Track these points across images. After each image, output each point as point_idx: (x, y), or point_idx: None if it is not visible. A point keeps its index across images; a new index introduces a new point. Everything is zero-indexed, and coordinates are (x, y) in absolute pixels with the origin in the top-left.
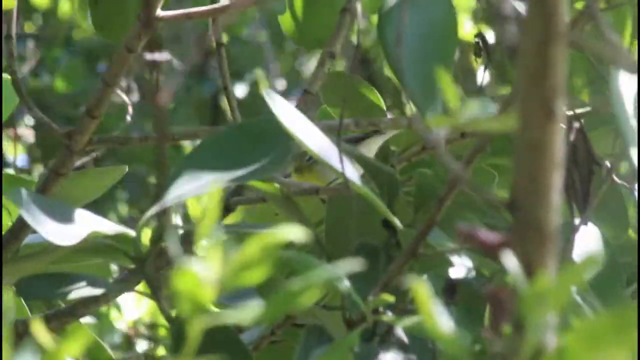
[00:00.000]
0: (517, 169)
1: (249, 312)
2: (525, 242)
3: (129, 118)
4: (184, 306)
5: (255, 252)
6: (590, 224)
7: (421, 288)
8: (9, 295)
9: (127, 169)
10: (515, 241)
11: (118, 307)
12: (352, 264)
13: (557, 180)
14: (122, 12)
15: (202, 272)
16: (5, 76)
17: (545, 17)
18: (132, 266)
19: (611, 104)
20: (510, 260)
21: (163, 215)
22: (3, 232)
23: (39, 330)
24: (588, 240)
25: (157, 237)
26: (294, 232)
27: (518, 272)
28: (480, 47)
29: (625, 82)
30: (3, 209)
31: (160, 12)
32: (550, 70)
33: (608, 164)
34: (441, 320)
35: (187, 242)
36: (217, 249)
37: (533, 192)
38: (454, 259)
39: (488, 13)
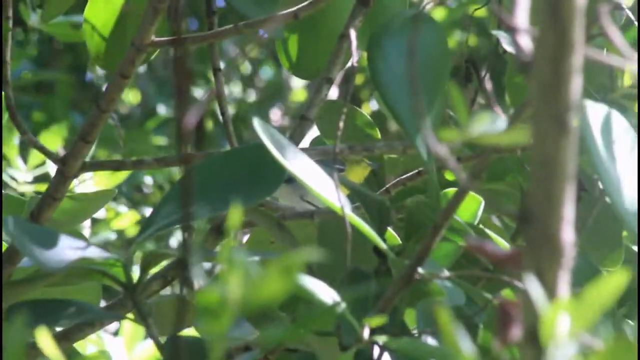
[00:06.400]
0: (530, 183)
1: (271, 333)
2: (538, 256)
3: (121, 144)
4: (207, 327)
5: (276, 274)
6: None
7: (443, 312)
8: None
9: (116, 192)
10: (528, 254)
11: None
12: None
13: (570, 193)
14: (118, 40)
15: (225, 292)
16: None
17: (559, 30)
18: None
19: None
20: (530, 280)
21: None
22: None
23: (47, 344)
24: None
25: (147, 263)
26: (312, 254)
27: (539, 292)
28: (471, 72)
29: (594, 112)
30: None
31: (154, 38)
32: (564, 84)
33: (601, 185)
34: (463, 344)
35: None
36: (239, 271)
37: (546, 206)
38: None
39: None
